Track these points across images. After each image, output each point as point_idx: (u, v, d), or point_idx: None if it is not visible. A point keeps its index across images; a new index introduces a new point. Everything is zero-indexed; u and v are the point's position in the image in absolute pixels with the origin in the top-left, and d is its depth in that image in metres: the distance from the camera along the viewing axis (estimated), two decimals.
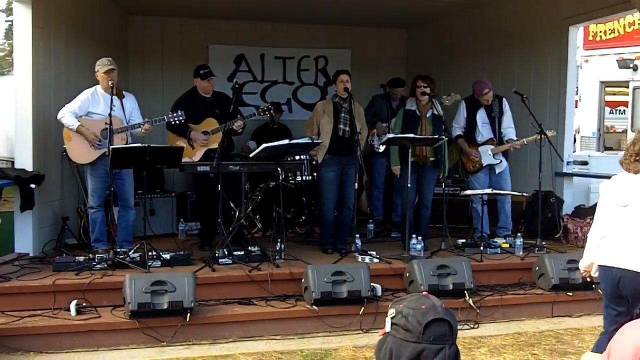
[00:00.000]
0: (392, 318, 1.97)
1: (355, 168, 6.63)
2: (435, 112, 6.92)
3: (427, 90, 6.86)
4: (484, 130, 7.30)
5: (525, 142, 7.15)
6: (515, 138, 7.24)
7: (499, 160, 7.24)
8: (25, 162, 6.34)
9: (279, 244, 6.24)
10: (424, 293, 2.02)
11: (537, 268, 6.18)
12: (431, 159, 6.91)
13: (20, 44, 6.33)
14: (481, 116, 7.29)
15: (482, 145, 7.28)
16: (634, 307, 3.76)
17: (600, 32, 13.66)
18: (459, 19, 9.66)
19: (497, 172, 7.28)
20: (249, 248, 6.30)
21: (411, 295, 2.03)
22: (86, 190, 6.55)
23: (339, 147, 6.67)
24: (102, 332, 5.00)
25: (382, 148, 7.39)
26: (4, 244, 6.63)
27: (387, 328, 1.98)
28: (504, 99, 7.30)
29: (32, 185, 6.18)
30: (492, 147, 7.23)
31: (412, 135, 6.58)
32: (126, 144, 6.16)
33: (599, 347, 3.64)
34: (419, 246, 6.38)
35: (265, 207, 7.80)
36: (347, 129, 6.69)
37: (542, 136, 6.84)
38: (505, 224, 7.33)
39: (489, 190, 6.96)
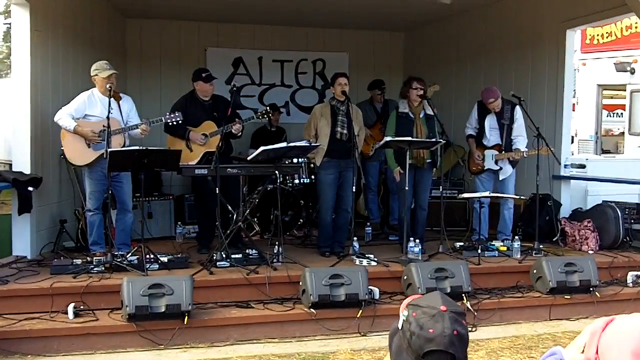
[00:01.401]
0: (403, 320, 1.88)
1: (353, 171, 6.63)
2: (429, 112, 6.95)
3: (422, 92, 6.88)
4: (491, 135, 7.28)
5: (525, 156, 7.12)
6: (522, 149, 7.15)
7: (499, 167, 7.23)
8: (23, 164, 6.33)
9: (276, 246, 6.24)
10: (442, 308, 1.84)
11: (534, 271, 6.19)
12: (428, 160, 6.92)
13: (18, 46, 6.32)
14: (490, 121, 7.28)
15: (487, 149, 7.29)
16: None
17: (598, 35, 13.67)
18: (457, 22, 9.68)
19: (500, 179, 7.27)
20: (247, 251, 6.30)
21: (430, 305, 1.87)
22: (84, 193, 6.54)
23: (337, 150, 6.67)
24: (99, 335, 4.99)
25: (371, 152, 7.39)
26: (1, 246, 6.62)
27: (400, 323, 1.90)
28: (517, 107, 7.20)
29: (30, 188, 6.18)
30: (496, 152, 7.23)
31: (410, 138, 6.59)
32: (124, 145, 6.16)
33: None
34: (416, 249, 6.38)
35: (263, 210, 7.80)
36: (345, 131, 6.68)
37: (540, 140, 6.84)
38: (503, 228, 7.33)
39: (486, 194, 6.96)
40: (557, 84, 7.88)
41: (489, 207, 7.32)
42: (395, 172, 6.96)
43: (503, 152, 7.20)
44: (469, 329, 5.49)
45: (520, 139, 7.23)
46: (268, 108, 7.12)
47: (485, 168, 7.28)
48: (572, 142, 12.02)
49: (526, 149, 7.16)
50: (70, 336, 4.95)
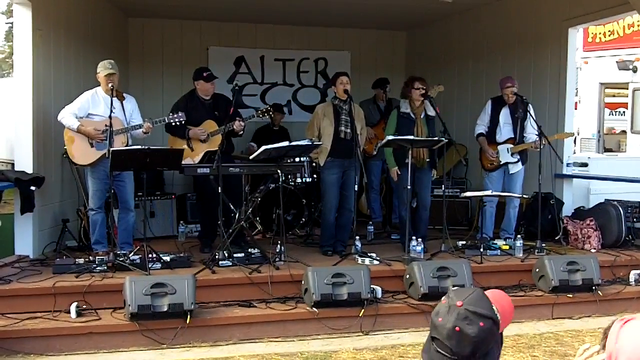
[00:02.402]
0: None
1: (356, 170, 6.62)
2: (430, 113, 6.95)
3: (424, 91, 6.87)
4: (504, 130, 7.29)
5: (544, 144, 7.07)
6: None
7: (516, 159, 7.23)
8: (25, 164, 6.34)
9: (279, 246, 6.24)
10: (458, 304, 1.98)
11: (537, 270, 6.18)
12: (427, 160, 6.92)
13: (21, 46, 6.33)
14: (504, 115, 7.28)
15: (501, 145, 7.28)
16: None
17: (600, 33, 13.66)
18: (459, 22, 9.67)
19: (510, 173, 7.27)
20: (249, 250, 6.30)
21: (454, 297, 2.01)
22: (86, 192, 6.55)
23: (340, 149, 6.66)
24: (102, 334, 5.00)
25: (375, 151, 7.39)
26: (4, 246, 6.62)
27: None
28: (530, 104, 7.20)
29: (32, 188, 6.18)
30: (511, 145, 7.23)
31: (412, 137, 6.59)
32: (126, 145, 6.16)
33: None
34: (418, 248, 6.39)
35: (265, 209, 7.80)
36: (348, 130, 6.68)
37: (543, 138, 6.85)
38: (507, 227, 7.34)
39: (488, 192, 6.96)
40: (559, 82, 7.88)
41: (495, 206, 7.32)
42: (392, 171, 6.97)
43: (516, 144, 7.20)
44: None
45: (533, 137, 7.22)
46: (269, 107, 7.11)
47: (502, 163, 7.26)
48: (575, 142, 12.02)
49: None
50: (72, 335, 4.95)
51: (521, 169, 7.28)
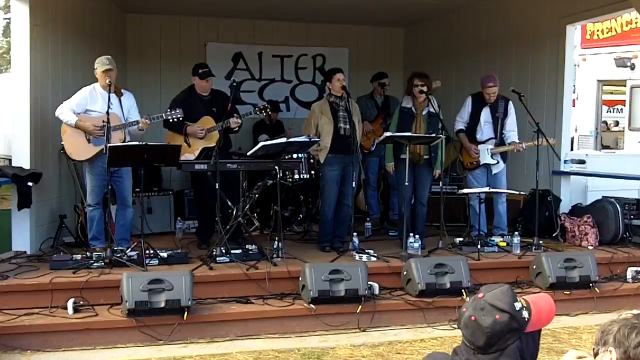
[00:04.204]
0: None
1: (353, 166, 6.61)
2: (432, 110, 6.92)
3: (424, 88, 6.85)
4: (485, 129, 7.29)
5: (524, 147, 7.09)
6: (518, 141, 7.20)
7: (496, 161, 7.24)
8: (22, 160, 6.34)
9: (276, 242, 6.23)
10: (479, 295, 2.09)
11: (534, 267, 6.18)
12: (425, 156, 6.90)
13: (18, 41, 6.32)
14: (485, 114, 7.28)
15: (481, 144, 7.28)
16: None
17: (598, 30, 13.67)
18: (456, 18, 9.67)
19: (493, 173, 7.27)
20: (247, 246, 6.30)
21: (480, 290, 2.12)
22: (84, 188, 6.54)
23: (341, 146, 6.63)
24: (99, 330, 4.99)
25: (373, 147, 7.39)
26: (1, 242, 6.62)
27: None
28: (510, 101, 7.24)
29: (30, 183, 6.17)
30: (492, 146, 7.23)
31: (409, 133, 6.58)
32: (124, 141, 6.15)
33: None
34: (416, 244, 6.38)
35: (263, 205, 7.80)
36: (347, 127, 6.67)
37: (540, 136, 6.84)
38: (499, 223, 7.34)
39: (486, 189, 6.96)
40: (557, 79, 7.88)
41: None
42: (388, 167, 7.01)
43: (496, 145, 7.20)
44: None
45: (512, 134, 7.27)
46: (267, 104, 7.10)
47: (482, 163, 7.26)
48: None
49: (523, 141, 7.14)
50: (69, 331, 4.95)
51: (503, 167, 7.29)
